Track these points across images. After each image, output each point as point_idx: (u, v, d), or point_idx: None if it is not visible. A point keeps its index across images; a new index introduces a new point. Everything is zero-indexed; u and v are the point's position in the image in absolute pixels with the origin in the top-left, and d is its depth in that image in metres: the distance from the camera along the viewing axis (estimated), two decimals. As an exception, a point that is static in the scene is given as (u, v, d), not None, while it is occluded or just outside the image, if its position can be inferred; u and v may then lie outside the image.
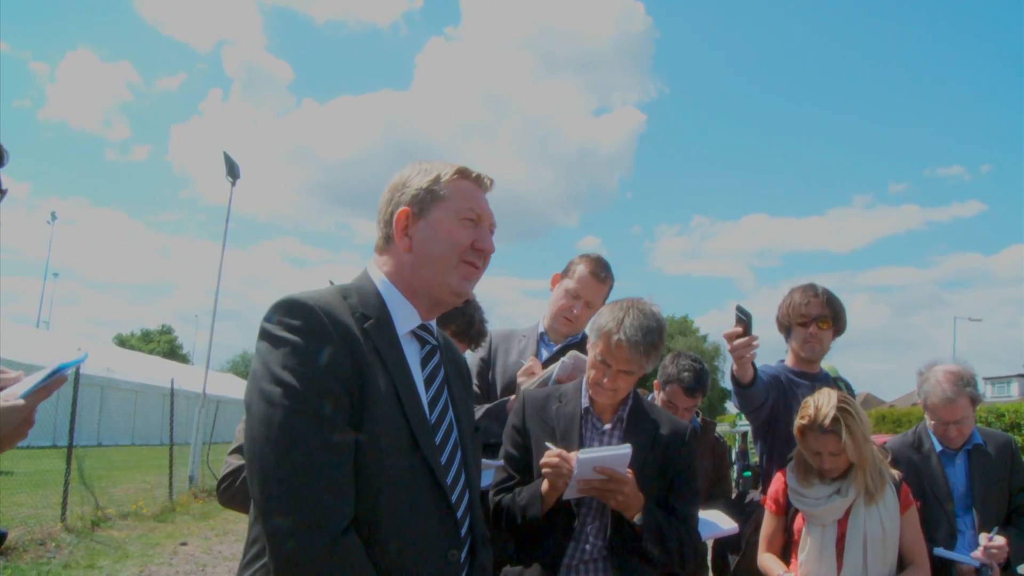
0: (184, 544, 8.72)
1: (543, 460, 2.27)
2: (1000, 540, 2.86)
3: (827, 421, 2.60)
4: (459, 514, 1.63)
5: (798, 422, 2.72)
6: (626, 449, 2.21)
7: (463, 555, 1.65)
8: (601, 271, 3.15)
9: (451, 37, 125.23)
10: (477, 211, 1.71)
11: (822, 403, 2.65)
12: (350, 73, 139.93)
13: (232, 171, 14.96)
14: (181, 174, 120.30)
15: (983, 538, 2.88)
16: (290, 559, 1.38)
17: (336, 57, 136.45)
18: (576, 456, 2.20)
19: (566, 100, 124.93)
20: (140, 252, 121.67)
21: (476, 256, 1.70)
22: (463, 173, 1.72)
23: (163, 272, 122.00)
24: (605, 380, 2.34)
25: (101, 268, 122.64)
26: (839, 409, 2.61)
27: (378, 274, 1.71)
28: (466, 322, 2.86)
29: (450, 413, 1.71)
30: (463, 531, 1.65)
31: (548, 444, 2.32)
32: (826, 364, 3.44)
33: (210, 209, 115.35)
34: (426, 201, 1.68)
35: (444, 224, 1.67)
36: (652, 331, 2.30)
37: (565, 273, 3.23)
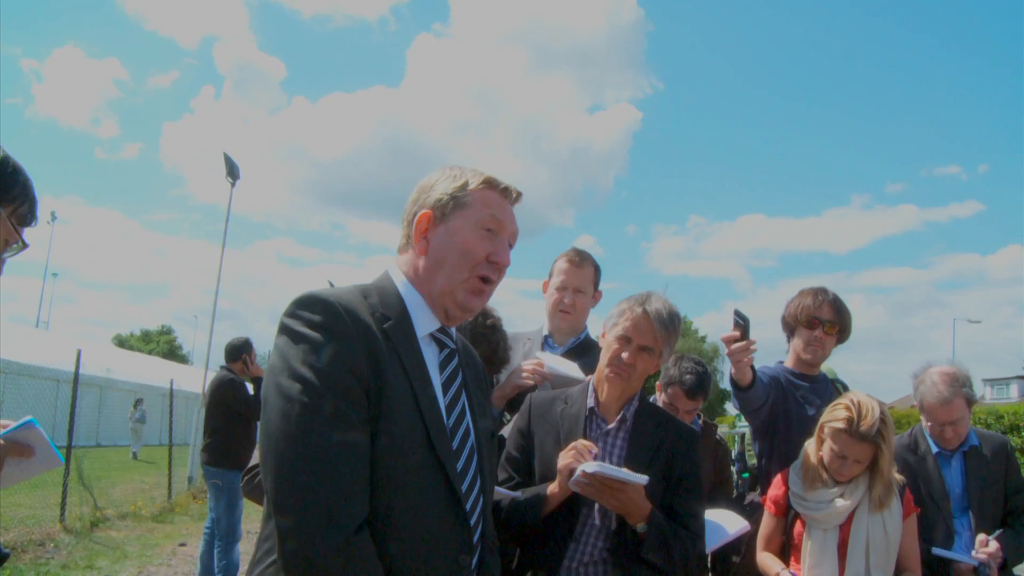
0: (183, 545, 8.71)
1: (562, 462, 2.23)
2: (994, 546, 2.88)
3: (872, 431, 2.57)
4: (472, 520, 1.61)
5: (833, 424, 2.65)
6: (641, 479, 2.16)
7: (473, 561, 1.63)
8: (577, 256, 3.23)
9: (440, 33, 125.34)
10: (499, 220, 1.69)
11: (867, 411, 2.59)
12: (341, 70, 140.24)
13: (232, 172, 14.97)
14: (173, 173, 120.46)
15: (980, 540, 2.90)
16: (300, 557, 1.37)
17: (326, 53, 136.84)
18: (594, 463, 2.16)
19: (560, 97, 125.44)
20: (135, 252, 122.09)
21: (490, 269, 1.68)
22: (490, 183, 1.71)
23: (159, 272, 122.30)
24: (625, 355, 2.33)
25: (97, 268, 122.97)
26: (880, 420, 2.58)
27: (399, 275, 1.71)
28: (491, 349, 2.88)
29: (467, 417, 1.69)
30: (475, 537, 1.63)
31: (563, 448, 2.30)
32: (824, 366, 3.45)
33: (203, 208, 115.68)
34: (448, 207, 1.67)
35: (462, 232, 1.66)
36: (673, 313, 2.35)
37: (550, 275, 3.31)
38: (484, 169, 1.74)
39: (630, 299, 2.40)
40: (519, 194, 1.77)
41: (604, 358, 2.42)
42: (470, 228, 1.66)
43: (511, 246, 1.75)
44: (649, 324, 2.30)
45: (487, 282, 1.69)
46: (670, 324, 2.32)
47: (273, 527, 1.43)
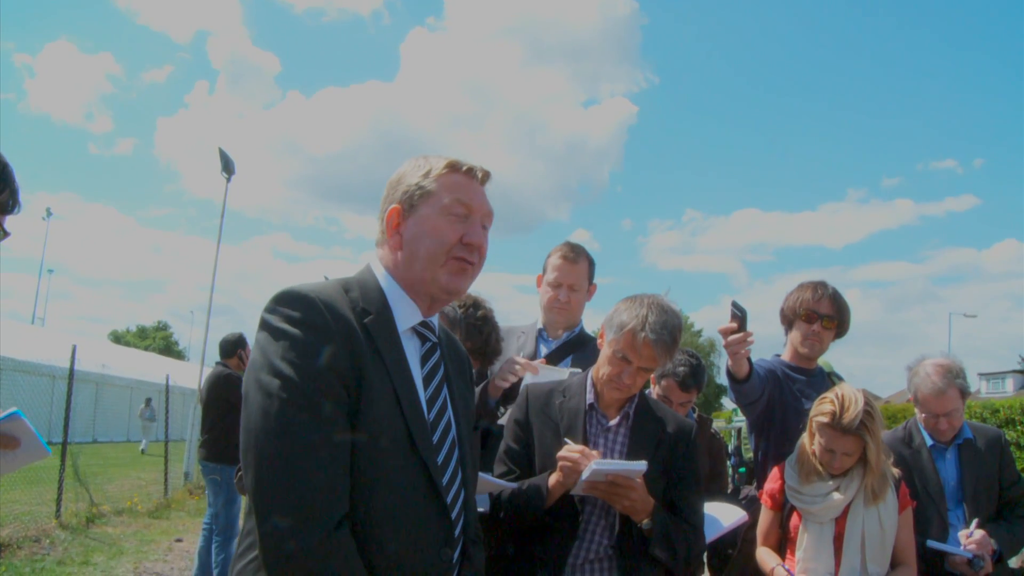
0: (179, 540, 8.70)
1: (562, 453, 2.24)
2: (979, 534, 2.88)
3: (855, 423, 2.57)
4: (453, 514, 1.62)
5: (818, 418, 2.67)
6: (641, 466, 2.19)
7: (456, 554, 1.64)
8: (571, 252, 3.20)
9: (434, 27, 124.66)
10: (466, 204, 1.66)
11: (849, 404, 2.60)
12: (335, 64, 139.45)
13: (227, 167, 14.88)
14: (168, 168, 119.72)
15: (962, 535, 2.91)
16: (280, 553, 1.37)
17: (319, 47, 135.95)
18: (591, 465, 2.16)
19: (554, 91, 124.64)
20: (131, 248, 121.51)
21: (466, 251, 1.66)
22: (453, 166, 1.69)
23: (154, 268, 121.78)
24: (625, 377, 2.32)
25: (92, 264, 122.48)
26: (864, 412, 2.58)
27: (380, 268, 1.70)
28: (483, 341, 2.87)
29: (448, 411, 1.69)
30: (457, 531, 1.64)
31: (567, 440, 2.31)
32: (820, 360, 3.45)
33: (199, 203, 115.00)
34: (415, 197, 1.66)
35: (430, 220, 1.64)
36: (675, 328, 2.31)
37: (543, 270, 3.29)
38: (450, 154, 1.72)
39: (632, 306, 2.34)
40: (486, 173, 1.74)
41: (604, 370, 2.39)
42: (438, 215, 1.64)
43: (486, 227, 1.73)
44: (650, 351, 2.27)
45: (467, 263, 1.67)
46: (671, 343, 2.29)
47: (254, 523, 1.42)
